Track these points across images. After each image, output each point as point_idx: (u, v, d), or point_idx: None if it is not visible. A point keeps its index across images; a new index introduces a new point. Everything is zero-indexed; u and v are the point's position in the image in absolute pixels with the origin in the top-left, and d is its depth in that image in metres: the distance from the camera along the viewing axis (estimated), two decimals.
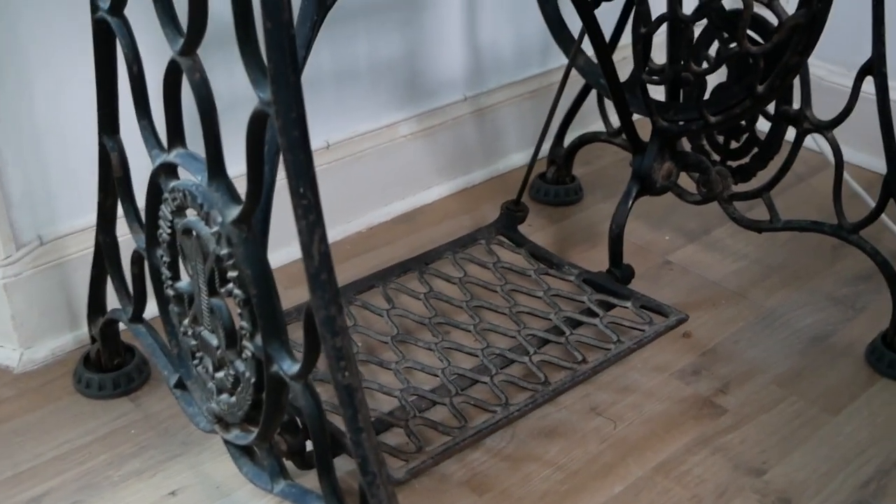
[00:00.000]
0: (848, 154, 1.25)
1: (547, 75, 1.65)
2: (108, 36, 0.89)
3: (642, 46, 1.11)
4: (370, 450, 0.75)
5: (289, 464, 0.91)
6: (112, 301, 1.10)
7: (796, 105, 1.23)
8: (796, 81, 1.18)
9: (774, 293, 1.34)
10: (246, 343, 0.82)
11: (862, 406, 1.14)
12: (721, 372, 1.19)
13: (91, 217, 1.20)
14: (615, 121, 1.41)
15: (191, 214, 0.85)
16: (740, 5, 1.06)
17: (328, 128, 1.41)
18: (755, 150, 1.30)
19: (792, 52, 1.04)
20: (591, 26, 1.11)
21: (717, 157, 1.34)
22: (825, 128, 1.21)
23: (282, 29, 0.65)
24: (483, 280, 1.28)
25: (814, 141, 1.36)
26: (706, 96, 1.25)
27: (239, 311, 0.82)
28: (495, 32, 1.56)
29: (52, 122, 1.15)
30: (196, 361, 0.93)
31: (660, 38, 1.22)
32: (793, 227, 1.29)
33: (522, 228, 1.40)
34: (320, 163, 1.34)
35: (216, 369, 0.89)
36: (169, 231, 0.89)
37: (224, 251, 0.80)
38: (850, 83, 1.16)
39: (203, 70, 0.77)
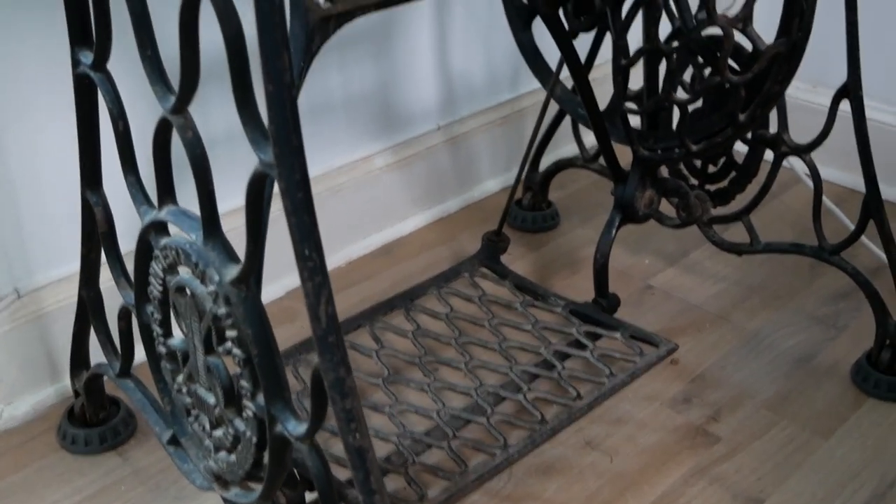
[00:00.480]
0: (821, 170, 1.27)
1: (518, 100, 1.65)
2: (90, 90, 0.86)
3: (622, 78, 1.11)
4: None
5: None
6: (94, 352, 1.07)
7: (773, 128, 1.24)
8: None
9: (756, 315, 1.35)
10: (247, 402, 0.80)
11: (852, 428, 1.15)
12: (711, 398, 1.19)
13: (69, 267, 1.18)
14: (588, 139, 1.42)
15: (183, 271, 0.83)
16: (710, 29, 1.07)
17: None
18: (733, 173, 1.31)
19: (773, 82, 1.05)
20: (570, 58, 1.11)
21: (695, 181, 1.35)
22: (803, 151, 1.22)
23: (283, 91, 0.64)
24: (470, 315, 1.27)
25: (788, 162, 1.37)
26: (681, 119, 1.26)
27: (238, 370, 0.80)
28: (466, 60, 1.56)
29: (27, 172, 1.12)
30: (191, 419, 0.91)
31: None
32: (773, 249, 1.29)
33: (503, 257, 1.40)
34: None
35: (214, 427, 0.87)
36: (160, 289, 0.87)
37: (222, 310, 0.78)
38: (822, 100, 1.17)
39: (195, 128, 0.75)
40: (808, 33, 1.03)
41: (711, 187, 1.34)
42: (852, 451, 1.11)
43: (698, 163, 1.34)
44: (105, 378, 1.09)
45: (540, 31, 1.29)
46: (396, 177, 1.51)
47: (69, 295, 1.18)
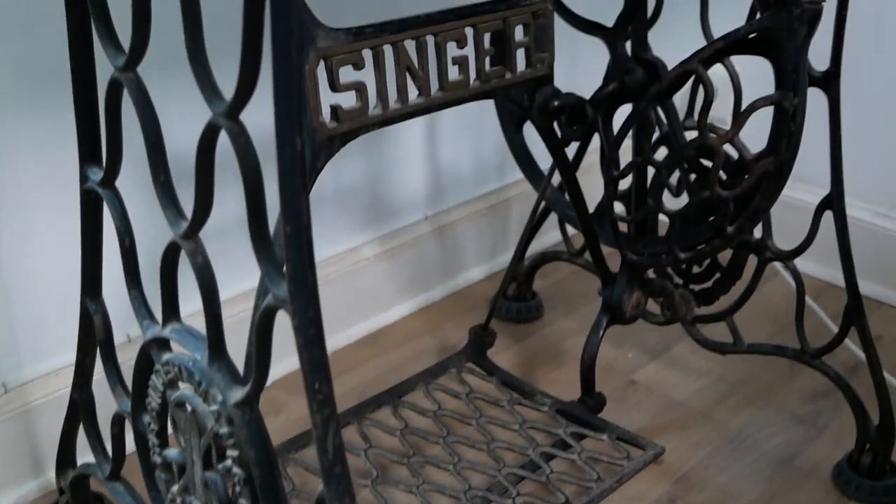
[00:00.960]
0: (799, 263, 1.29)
1: (504, 190, 1.68)
2: (96, 205, 0.87)
3: (613, 188, 1.14)
4: None
5: None
6: (81, 448, 1.07)
7: (758, 233, 1.27)
8: None
9: (739, 412, 1.37)
10: None
11: None
12: (695, 501, 1.20)
13: (57, 360, 1.18)
14: (573, 232, 1.44)
15: (184, 387, 0.84)
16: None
17: None
18: (717, 275, 1.33)
19: (761, 198, 1.08)
20: (562, 165, 1.13)
21: (679, 280, 1.37)
22: (786, 258, 1.24)
23: (301, 232, 0.65)
24: (457, 413, 1.28)
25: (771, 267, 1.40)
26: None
27: (238, 488, 0.80)
28: (455, 152, 1.58)
29: (18, 267, 1.12)
30: None
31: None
32: (756, 350, 1.31)
33: None
34: None
35: None
36: (159, 401, 0.87)
37: (224, 430, 0.78)
38: (799, 195, 1.19)
39: (205, 252, 0.76)
40: (796, 153, 1.06)
41: (696, 287, 1.36)
42: None
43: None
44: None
45: (530, 132, 1.31)
46: (383, 266, 1.52)
47: (56, 389, 1.17)
